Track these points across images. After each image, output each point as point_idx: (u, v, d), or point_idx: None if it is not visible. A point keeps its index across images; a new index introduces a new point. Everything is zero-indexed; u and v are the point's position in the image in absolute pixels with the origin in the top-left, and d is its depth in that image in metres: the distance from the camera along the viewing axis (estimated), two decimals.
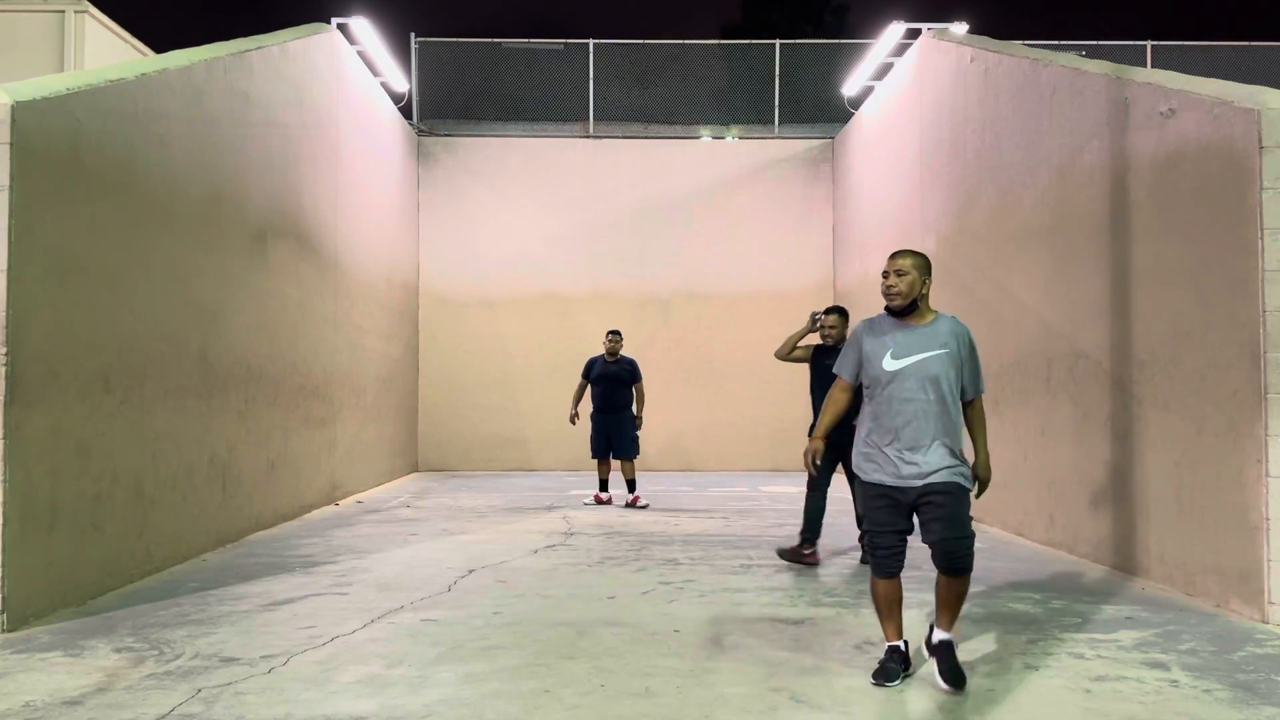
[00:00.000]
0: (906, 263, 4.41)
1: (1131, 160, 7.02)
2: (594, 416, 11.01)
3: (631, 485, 11.04)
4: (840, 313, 7.59)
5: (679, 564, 7.36)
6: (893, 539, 4.41)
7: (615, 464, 11.25)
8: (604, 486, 11.26)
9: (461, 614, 5.71)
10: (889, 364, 4.37)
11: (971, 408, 4.47)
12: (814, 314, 7.68)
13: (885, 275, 4.44)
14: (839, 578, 6.86)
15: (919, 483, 4.28)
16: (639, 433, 11.06)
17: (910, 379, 4.33)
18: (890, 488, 4.36)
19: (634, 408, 10.98)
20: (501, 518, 10.06)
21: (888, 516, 4.39)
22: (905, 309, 4.44)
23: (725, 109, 16.92)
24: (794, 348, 7.80)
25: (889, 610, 4.51)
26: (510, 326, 16.20)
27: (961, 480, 4.29)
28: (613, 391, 10.91)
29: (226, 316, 8.23)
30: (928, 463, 4.27)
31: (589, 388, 11.08)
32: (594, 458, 11.13)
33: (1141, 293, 6.87)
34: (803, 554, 7.24)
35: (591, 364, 11.09)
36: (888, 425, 4.36)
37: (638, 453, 11.04)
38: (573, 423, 11.24)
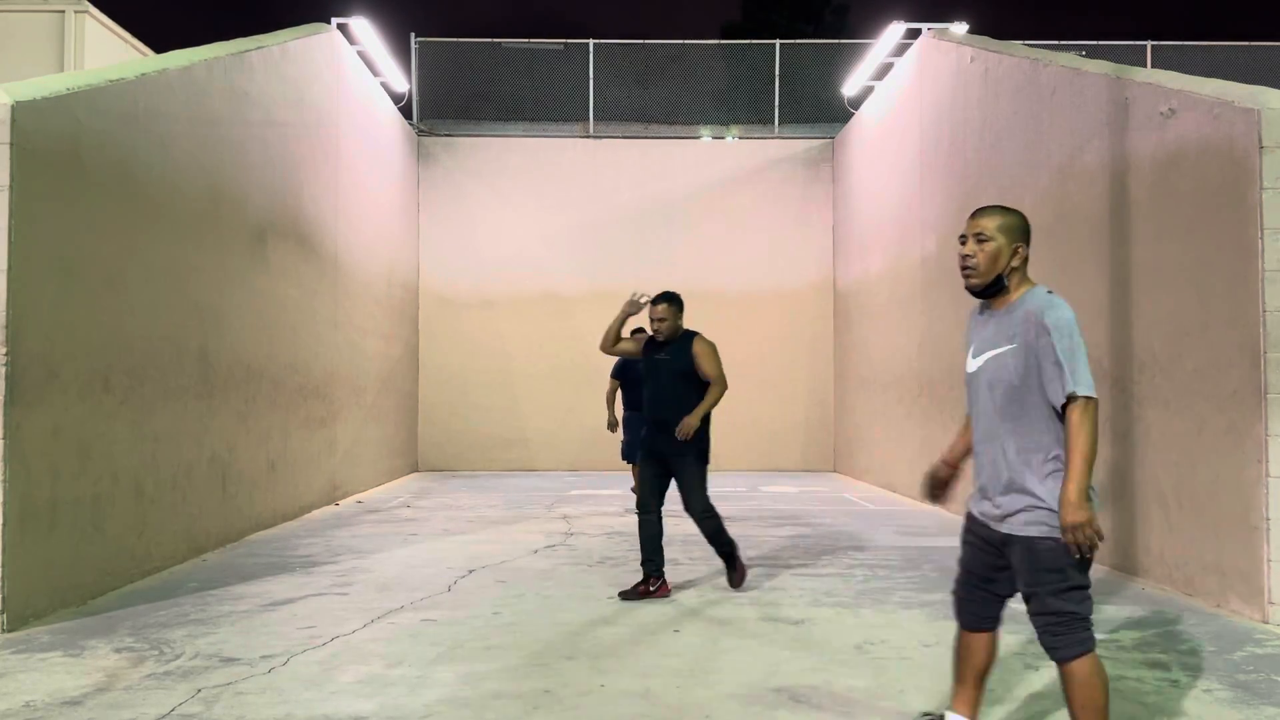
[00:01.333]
0: (990, 225, 3.22)
1: (1131, 160, 7.02)
2: (631, 419, 10.27)
3: None
4: (671, 300, 6.20)
5: (679, 564, 7.36)
6: (967, 585, 3.40)
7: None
8: None
9: (461, 614, 5.71)
10: (969, 364, 3.34)
11: (1066, 416, 3.07)
12: (635, 295, 6.37)
13: (962, 242, 3.29)
14: (839, 578, 6.85)
15: (998, 528, 3.23)
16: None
17: (981, 385, 3.26)
18: (973, 519, 3.37)
19: None
20: (501, 518, 10.06)
21: (967, 554, 3.40)
22: (987, 289, 3.25)
23: (725, 109, 16.92)
24: (617, 338, 6.45)
25: (957, 665, 3.49)
26: (510, 326, 16.20)
27: (1038, 530, 3.09)
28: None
29: (226, 316, 8.23)
30: (1002, 503, 3.20)
31: (619, 389, 10.46)
32: (632, 461, 10.01)
33: (1141, 293, 6.87)
34: (648, 589, 6.18)
35: (624, 365, 10.30)
36: (973, 443, 3.36)
37: None
38: (613, 429, 10.57)
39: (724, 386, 6.24)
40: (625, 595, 6.16)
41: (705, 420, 6.19)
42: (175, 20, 60.94)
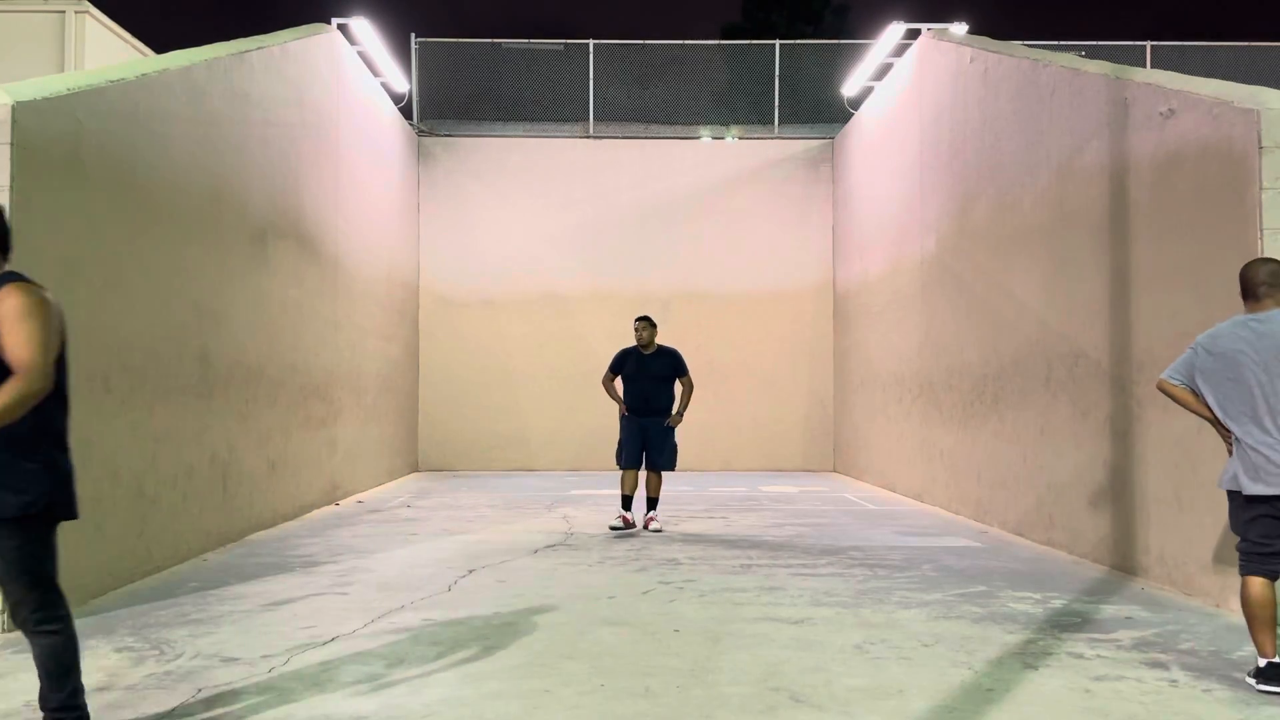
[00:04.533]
0: None
1: (1131, 160, 7.02)
2: (626, 419, 9.31)
3: (654, 503, 9.27)
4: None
5: (679, 564, 7.36)
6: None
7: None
8: (628, 504, 9.17)
9: (461, 614, 5.71)
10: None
11: None
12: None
13: None
14: (839, 578, 6.85)
15: None
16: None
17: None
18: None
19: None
20: (501, 518, 10.06)
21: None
22: None
23: (725, 109, 16.94)
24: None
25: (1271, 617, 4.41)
26: (510, 326, 16.20)
27: None
28: (653, 390, 9.23)
29: (226, 316, 8.23)
30: None
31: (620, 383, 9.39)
32: (625, 467, 9.27)
33: (1141, 293, 6.87)
34: None
35: (621, 359, 9.35)
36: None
37: (673, 465, 9.30)
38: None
39: (39, 381, 3.17)
40: None
41: (43, 448, 3.30)
42: (175, 20, 60.91)
